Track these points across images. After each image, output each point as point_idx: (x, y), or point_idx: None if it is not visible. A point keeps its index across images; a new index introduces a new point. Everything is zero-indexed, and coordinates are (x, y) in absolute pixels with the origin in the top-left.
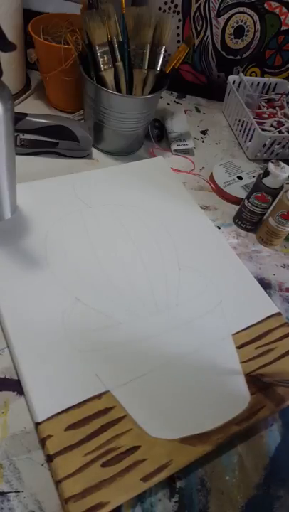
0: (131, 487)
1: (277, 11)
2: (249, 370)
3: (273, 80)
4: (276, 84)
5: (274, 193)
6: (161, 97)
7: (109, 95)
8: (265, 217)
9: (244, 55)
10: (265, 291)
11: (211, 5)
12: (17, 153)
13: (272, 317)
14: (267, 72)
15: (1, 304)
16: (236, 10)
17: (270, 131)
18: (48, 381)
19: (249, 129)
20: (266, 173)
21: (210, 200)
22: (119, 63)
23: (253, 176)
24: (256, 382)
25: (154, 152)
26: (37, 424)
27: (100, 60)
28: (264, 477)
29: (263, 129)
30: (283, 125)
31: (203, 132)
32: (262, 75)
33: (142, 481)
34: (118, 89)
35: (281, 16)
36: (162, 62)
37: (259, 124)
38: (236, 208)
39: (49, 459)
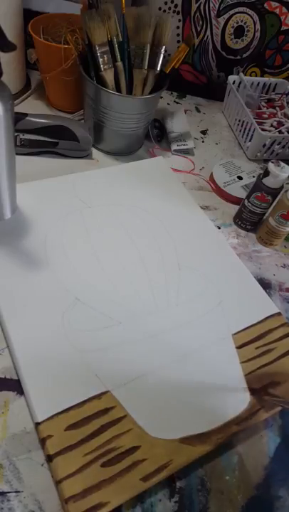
0: (131, 487)
1: (277, 11)
2: (249, 370)
3: (273, 79)
4: (276, 84)
5: (274, 193)
6: (161, 97)
7: (109, 95)
8: (265, 217)
9: (244, 55)
10: (265, 291)
11: (211, 5)
12: (17, 153)
13: (272, 317)
14: (267, 72)
15: (1, 304)
16: (236, 10)
17: (270, 131)
18: (48, 381)
19: (249, 129)
20: (266, 173)
21: (210, 200)
22: (119, 63)
23: (253, 176)
24: (258, 393)
25: (154, 152)
26: (37, 424)
27: (100, 60)
28: (264, 477)
29: (263, 129)
30: (283, 125)
31: (203, 132)
32: (262, 75)
33: (141, 481)
34: (118, 89)
35: (281, 16)
36: (162, 62)
37: (259, 124)
38: (236, 208)
39: (49, 459)
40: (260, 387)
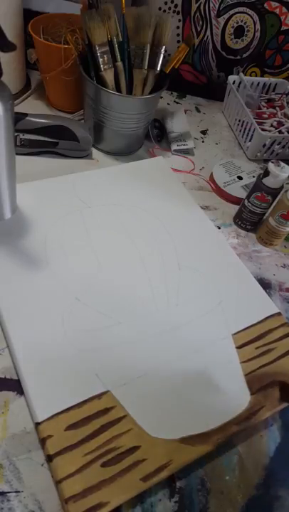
0: (131, 487)
1: (277, 11)
2: (249, 370)
3: (273, 79)
4: (276, 84)
5: (274, 193)
6: (161, 97)
7: (109, 95)
8: (265, 217)
9: (244, 55)
10: (265, 291)
11: (211, 5)
12: (17, 153)
13: (272, 317)
14: (267, 72)
15: (1, 304)
16: (236, 10)
17: (270, 131)
18: (48, 381)
19: (249, 129)
20: (266, 173)
21: (210, 200)
22: (119, 63)
23: (253, 176)
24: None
25: (154, 152)
26: (37, 424)
27: (100, 60)
28: (264, 477)
29: (263, 129)
30: (283, 125)
31: (203, 132)
32: (262, 75)
33: (141, 481)
34: (118, 89)
35: (281, 16)
36: (162, 62)
37: (259, 124)
38: (236, 208)
39: (49, 459)
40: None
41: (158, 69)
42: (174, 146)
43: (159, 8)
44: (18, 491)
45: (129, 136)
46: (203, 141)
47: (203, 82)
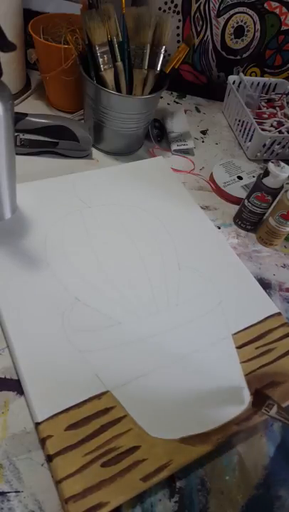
0: (131, 487)
1: (277, 11)
2: (249, 370)
3: (273, 79)
4: (276, 84)
5: (274, 193)
6: (161, 97)
7: (109, 95)
8: (265, 217)
9: (244, 55)
10: (265, 291)
11: (211, 5)
12: (17, 153)
13: (272, 317)
14: (267, 72)
15: (1, 304)
16: (236, 10)
17: (270, 131)
18: (48, 381)
19: (249, 129)
20: (266, 173)
21: (210, 200)
22: (119, 63)
23: (253, 176)
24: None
25: (154, 152)
26: (37, 424)
27: (100, 60)
28: (264, 477)
29: (263, 129)
30: (283, 125)
31: (203, 132)
32: (262, 75)
33: (141, 481)
34: (118, 89)
35: (281, 16)
36: (162, 62)
37: (259, 124)
38: (236, 208)
39: (49, 459)
40: (258, 400)
41: (158, 69)
42: (174, 146)
43: (159, 8)
44: (18, 491)
45: (129, 136)
46: (203, 141)
47: (203, 82)
